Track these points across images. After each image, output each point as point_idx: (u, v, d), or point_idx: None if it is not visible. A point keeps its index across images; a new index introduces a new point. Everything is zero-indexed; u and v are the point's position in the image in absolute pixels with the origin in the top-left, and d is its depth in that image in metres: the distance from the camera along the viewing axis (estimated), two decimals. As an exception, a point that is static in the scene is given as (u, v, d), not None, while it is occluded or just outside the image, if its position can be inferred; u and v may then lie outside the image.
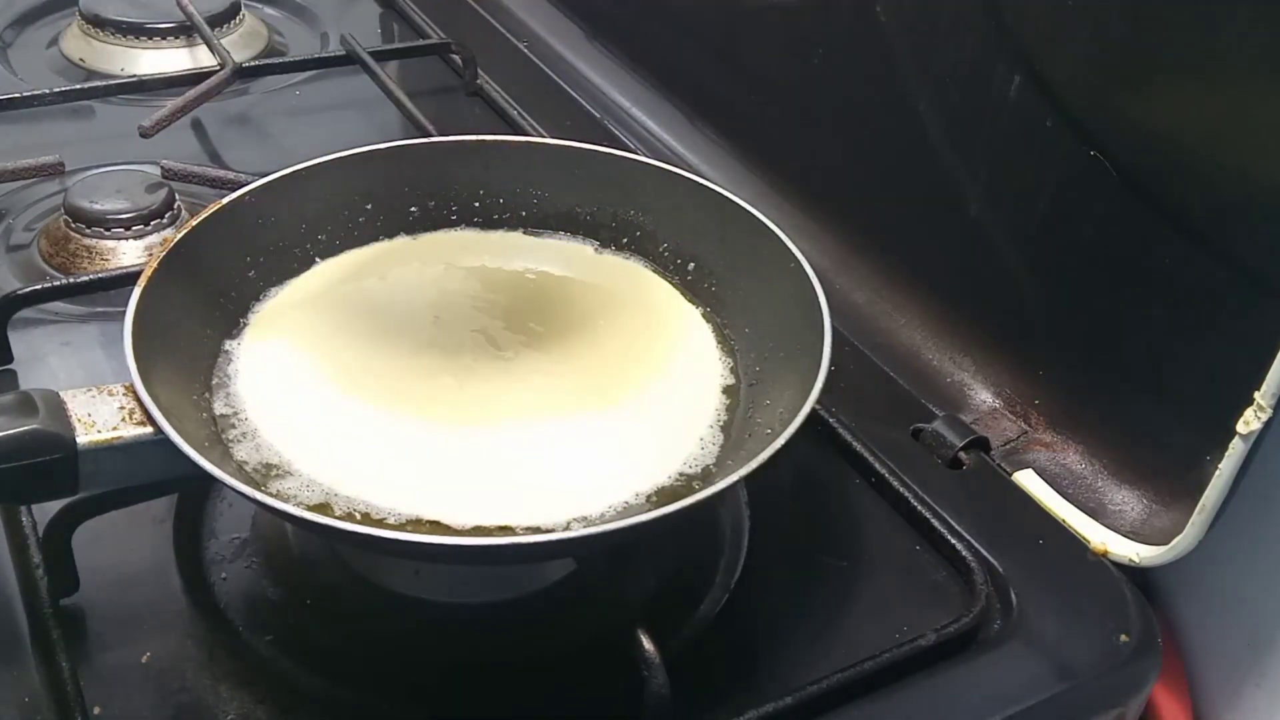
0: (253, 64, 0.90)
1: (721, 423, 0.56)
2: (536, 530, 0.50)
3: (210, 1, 0.96)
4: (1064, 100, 0.60)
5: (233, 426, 0.54)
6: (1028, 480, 0.62)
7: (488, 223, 0.66)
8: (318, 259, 0.63)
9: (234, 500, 0.57)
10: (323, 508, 0.50)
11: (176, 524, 0.56)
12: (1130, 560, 0.57)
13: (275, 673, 0.51)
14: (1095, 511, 0.60)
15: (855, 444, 0.62)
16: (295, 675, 0.51)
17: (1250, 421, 0.49)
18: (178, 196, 0.76)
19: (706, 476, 0.53)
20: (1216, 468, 0.51)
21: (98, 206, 0.73)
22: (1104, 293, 0.61)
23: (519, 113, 0.88)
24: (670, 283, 0.63)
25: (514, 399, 0.56)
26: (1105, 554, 0.58)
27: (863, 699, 0.51)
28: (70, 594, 0.52)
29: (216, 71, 0.86)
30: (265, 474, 0.52)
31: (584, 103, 0.91)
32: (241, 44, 0.97)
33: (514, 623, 0.54)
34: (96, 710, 0.48)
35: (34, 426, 0.46)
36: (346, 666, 0.52)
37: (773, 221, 0.60)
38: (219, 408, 0.55)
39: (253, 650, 0.52)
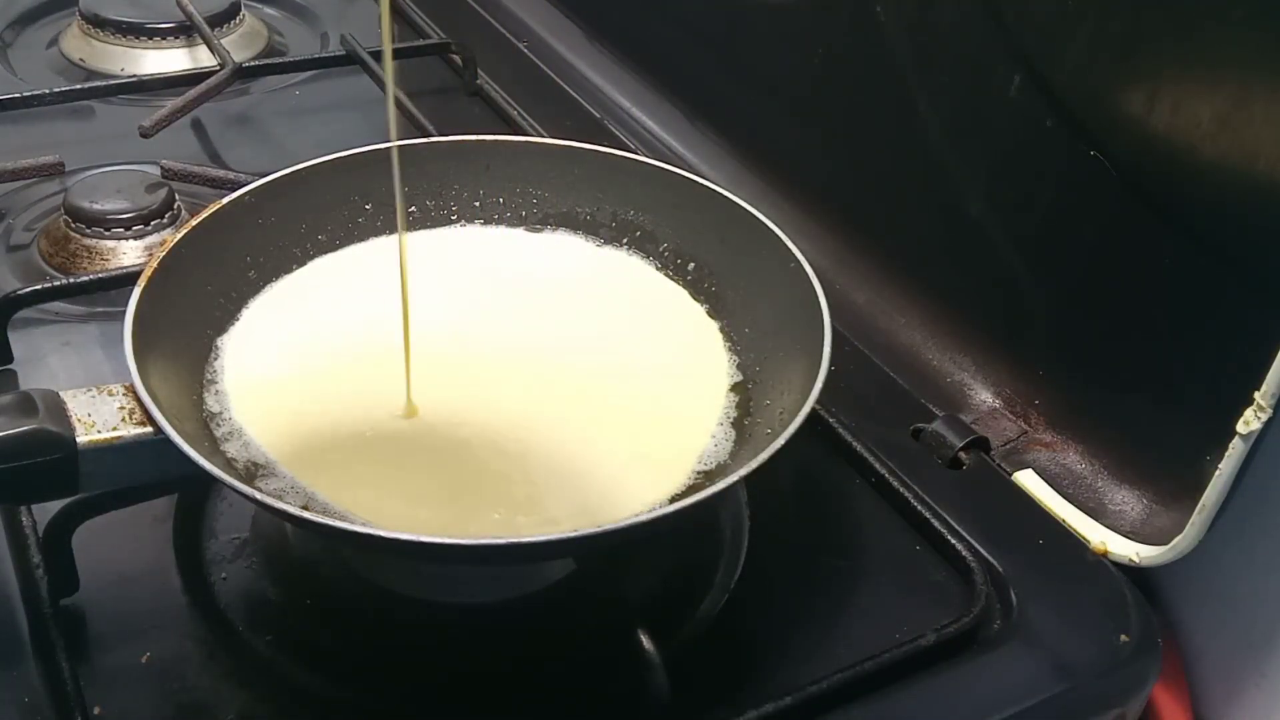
0: (253, 64, 0.90)
1: (731, 419, 0.56)
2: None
3: (210, 1, 0.96)
4: (1064, 100, 0.60)
5: (219, 425, 0.54)
6: (1028, 480, 0.62)
7: (488, 222, 0.66)
8: (317, 258, 0.63)
9: (234, 500, 0.57)
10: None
11: (176, 524, 0.56)
12: (1130, 560, 0.57)
13: (275, 673, 0.51)
14: (1095, 511, 0.60)
15: (855, 444, 0.62)
16: (295, 675, 0.51)
17: (1250, 421, 0.49)
18: (178, 196, 0.76)
19: (721, 473, 0.53)
20: (1216, 468, 0.51)
21: (98, 206, 0.73)
22: (1104, 293, 0.61)
23: (519, 113, 0.88)
24: (674, 281, 0.63)
25: (515, 400, 0.56)
26: (1105, 554, 0.58)
27: (863, 699, 0.51)
28: (70, 594, 0.52)
29: (216, 71, 0.86)
30: (253, 472, 0.52)
31: (584, 103, 0.91)
32: (241, 44, 0.97)
33: (514, 623, 0.54)
34: (96, 710, 0.48)
35: (34, 426, 0.46)
36: (346, 666, 0.52)
37: (773, 221, 0.60)
38: (210, 404, 0.55)
39: (253, 650, 0.52)
